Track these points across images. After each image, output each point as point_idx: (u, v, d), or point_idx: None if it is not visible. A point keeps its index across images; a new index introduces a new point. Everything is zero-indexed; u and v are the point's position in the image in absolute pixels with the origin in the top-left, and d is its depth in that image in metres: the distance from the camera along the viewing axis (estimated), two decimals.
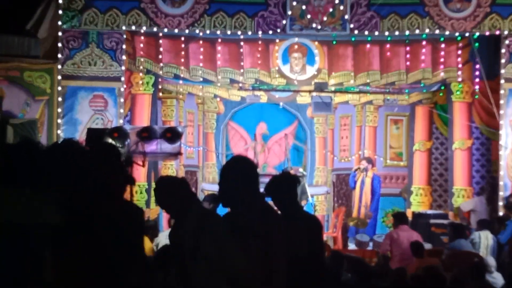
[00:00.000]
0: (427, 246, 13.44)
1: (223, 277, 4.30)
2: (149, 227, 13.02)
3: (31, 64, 14.76)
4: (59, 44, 14.57)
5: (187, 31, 14.91)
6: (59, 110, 14.52)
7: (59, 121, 14.49)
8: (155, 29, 14.82)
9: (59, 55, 14.56)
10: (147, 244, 11.28)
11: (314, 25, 14.93)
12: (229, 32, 14.94)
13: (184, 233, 4.34)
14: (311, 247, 5.51)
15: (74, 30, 14.62)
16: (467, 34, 14.99)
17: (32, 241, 3.87)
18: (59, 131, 14.44)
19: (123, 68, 14.66)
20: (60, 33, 14.57)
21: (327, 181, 18.41)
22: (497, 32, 14.82)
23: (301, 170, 17.54)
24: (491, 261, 11.06)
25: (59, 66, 14.54)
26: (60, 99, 14.51)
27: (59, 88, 14.54)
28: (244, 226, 4.68)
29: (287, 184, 5.72)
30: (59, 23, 14.55)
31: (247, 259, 4.52)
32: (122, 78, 14.67)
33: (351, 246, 15.53)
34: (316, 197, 17.85)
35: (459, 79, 15.43)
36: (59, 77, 14.56)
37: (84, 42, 14.65)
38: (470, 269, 9.45)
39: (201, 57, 15.46)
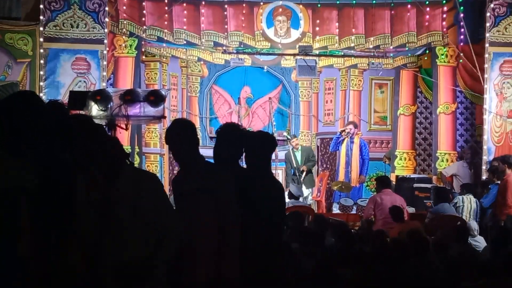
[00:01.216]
0: (411, 210, 13.48)
1: (155, 234, 4.32)
2: None
3: (13, 26, 14.59)
4: (41, 6, 14.40)
5: None
6: (41, 72, 14.40)
7: (41, 84, 14.38)
8: None
9: (41, 17, 14.40)
10: None
11: None
12: None
13: (118, 192, 4.29)
14: (271, 211, 5.48)
15: None
16: None
17: (6, 206, 3.80)
18: (41, 94, 14.31)
19: (106, 30, 14.53)
20: None
21: (311, 145, 18.38)
22: None
23: (285, 134, 17.50)
24: (474, 225, 11.11)
25: (41, 28, 14.39)
26: (42, 61, 14.38)
27: (41, 51, 14.41)
28: (193, 183, 5.05)
29: (264, 143, 5.66)
30: None
31: (184, 217, 4.70)
32: (105, 41, 14.55)
33: (335, 210, 15.57)
34: None
35: (444, 43, 15.42)
36: (41, 39, 14.42)
37: (66, 3, 14.48)
38: (453, 232, 9.47)
39: (185, 19, 15.36)
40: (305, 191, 15.88)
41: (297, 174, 16.03)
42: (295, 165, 16.14)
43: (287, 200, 14.42)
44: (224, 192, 5.03)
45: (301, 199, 14.78)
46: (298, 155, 16.32)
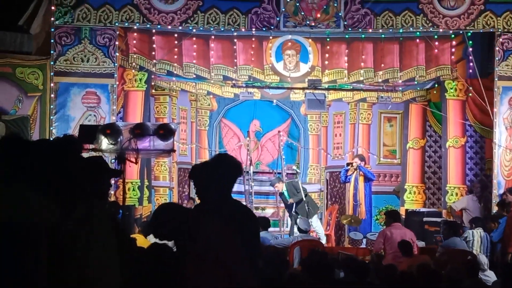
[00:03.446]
0: (421, 244, 13.43)
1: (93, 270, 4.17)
2: (142, 224, 12.99)
3: (24, 60, 14.71)
4: (52, 40, 14.53)
5: (180, 27, 14.89)
6: (52, 106, 14.48)
7: (51, 117, 14.44)
8: (148, 25, 14.80)
9: (52, 51, 14.52)
10: (143, 241, 11.18)
11: (308, 22, 14.93)
12: (222, 29, 14.92)
13: (70, 223, 4.14)
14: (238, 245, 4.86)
15: (67, 26, 14.58)
16: (461, 32, 15.01)
17: (27, 240, 3.81)
18: (51, 128, 14.39)
19: (116, 64, 14.63)
20: (52, 29, 14.53)
21: (321, 179, 18.37)
22: (491, 30, 14.83)
23: (294, 167, 17.51)
24: (484, 259, 11.05)
25: (52, 62, 14.50)
26: (52, 95, 14.47)
27: (52, 85, 14.50)
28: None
29: (220, 169, 5.09)
30: (52, 19, 14.50)
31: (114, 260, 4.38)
32: (115, 75, 14.65)
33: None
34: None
35: (453, 77, 15.44)
36: (52, 74, 14.51)
37: (76, 38, 14.60)
38: (464, 267, 9.42)
39: (194, 53, 15.44)
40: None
41: (292, 209, 15.93)
42: (288, 203, 16.11)
43: (296, 233, 14.39)
44: (229, 254, 4.57)
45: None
46: (286, 194, 16.25)
